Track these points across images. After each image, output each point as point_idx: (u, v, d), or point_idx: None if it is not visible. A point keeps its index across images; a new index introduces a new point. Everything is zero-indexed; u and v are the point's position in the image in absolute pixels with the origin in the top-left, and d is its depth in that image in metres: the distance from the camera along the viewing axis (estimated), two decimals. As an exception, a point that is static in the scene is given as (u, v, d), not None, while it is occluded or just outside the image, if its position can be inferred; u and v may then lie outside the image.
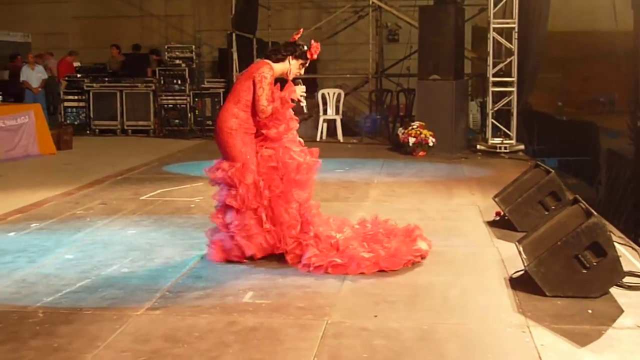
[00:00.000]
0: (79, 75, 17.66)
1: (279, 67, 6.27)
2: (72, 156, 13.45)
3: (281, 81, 6.37)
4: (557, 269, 5.22)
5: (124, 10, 21.14)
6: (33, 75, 16.98)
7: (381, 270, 5.87)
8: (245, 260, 6.12)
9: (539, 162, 8.21)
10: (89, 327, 4.70)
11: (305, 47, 6.32)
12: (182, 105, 16.99)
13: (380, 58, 18.06)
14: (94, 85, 17.21)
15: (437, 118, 13.15)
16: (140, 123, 17.06)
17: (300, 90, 6.26)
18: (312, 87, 17.21)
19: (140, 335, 4.56)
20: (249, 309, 5.03)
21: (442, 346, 4.38)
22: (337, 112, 15.50)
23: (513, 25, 13.44)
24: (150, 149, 14.19)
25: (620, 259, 5.34)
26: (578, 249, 5.16)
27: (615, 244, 5.39)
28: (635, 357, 4.26)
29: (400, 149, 13.32)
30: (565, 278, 5.20)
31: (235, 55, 16.30)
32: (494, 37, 13.56)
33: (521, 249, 5.74)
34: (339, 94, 15.56)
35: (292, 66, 6.31)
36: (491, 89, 13.62)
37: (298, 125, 6.32)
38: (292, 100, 6.22)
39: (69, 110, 17.32)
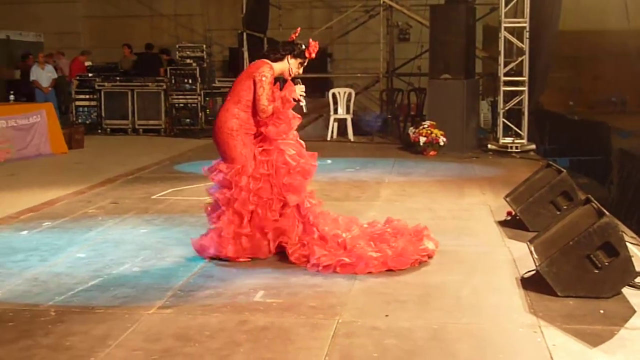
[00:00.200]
0: (90, 75, 17.73)
1: (278, 67, 6.27)
2: (83, 155, 13.49)
3: (281, 81, 6.37)
4: (568, 269, 5.20)
5: (135, 9, 21.21)
6: (43, 75, 17.03)
7: (389, 270, 5.86)
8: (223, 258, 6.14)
9: (550, 162, 8.19)
10: (100, 325, 4.71)
11: (304, 46, 6.30)
12: (193, 105, 17.04)
13: (391, 57, 18.05)
14: (106, 84, 17.27)
15: (448, 117, 13.14)
16: (152, 122, 17.12)
17: (299, 89, 6.24)
18: (324, 87, 17.24)
19: (152, 334, 4.57)
20: (260, 308, 5.03)
21: (454, 346, 4.38)
22: (347, 112, 15.49)
23: (524, 25, 13.42)
24: (161, 148, 14.22)
25: (633, 259, 5.31)
26: (590, 249, 5.14)
27: (628, 244, 5.37)
28: (647, 358, 4.24)
29: (411, 149, 13.32)
30: (577, 278, 5.18)
31: (246, 55, 16.29)
32: (505, 36, 13.52)
33: (533, 248, 5.72)
34: (350, 94, 15.56)
35: (290, 65, 6.30)
36: (502, 88, 13.58)
37: (299, 122, 6.33)
38: (292, 100, 6.21)
39: (81, 109, 17.40)
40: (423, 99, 15.57)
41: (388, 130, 16.37)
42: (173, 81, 17.05)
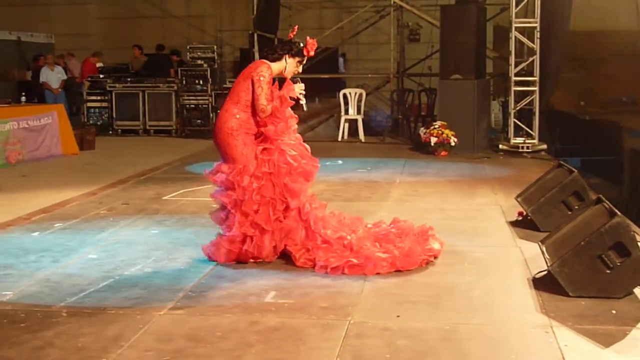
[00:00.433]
0: (101, 76, 17.77)
1: (277, 66, 6.25)
2: (94, 156, 13.52)
3: (280, 80, 6.37)
4: (580, 269, 5.19)
5: (146, 11, 21.28)
6: (52, 76, 17.10)
7: (397, 270, 5.86)
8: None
9: (561, 162, 8.16)
10: (112, 326, 4.72)
11: (302, 45, 6.29)
12: (203, 105, 17.04)
13: (401, 58, 18.05)
14: (117, 85, 17.29)
15: (458, 117, 13.13)
16: (162, 123, 17.12)
17: (299, 88, 6.24)
18: (337, 87, 17.24)
19: (164, 335, 4.58)
20: (271, 309, 5.04)
21: (465, 346, 4.37)
22: (358, 112, 15.48)
23: (535, 25, 13.39)
24: (173, 149, 14.24)
25: (645, 259, 5.30)
26: (601, 249, 5.13)
27: (639, 244, 5.35)
28: (660, 359, 4.23)
29: (422, 149, 13.31)
30: (588, 278, 5.17)
31: (256, 56, 16.27)
32: (516, 37, 13.49)
33: (544, 249, 5.72)
34: (361, 94, 15.54)
35: (288, 64, 6.28)
36: (513, 88, 13.55)
37: (297, 121, 6.32)
38: (292, 99, 6.20)
39: (92, 110, 17.41)
40: (434, 100, 15.56)
41: (399, 130, 16.37)
42: (184, 82, 17.06)
